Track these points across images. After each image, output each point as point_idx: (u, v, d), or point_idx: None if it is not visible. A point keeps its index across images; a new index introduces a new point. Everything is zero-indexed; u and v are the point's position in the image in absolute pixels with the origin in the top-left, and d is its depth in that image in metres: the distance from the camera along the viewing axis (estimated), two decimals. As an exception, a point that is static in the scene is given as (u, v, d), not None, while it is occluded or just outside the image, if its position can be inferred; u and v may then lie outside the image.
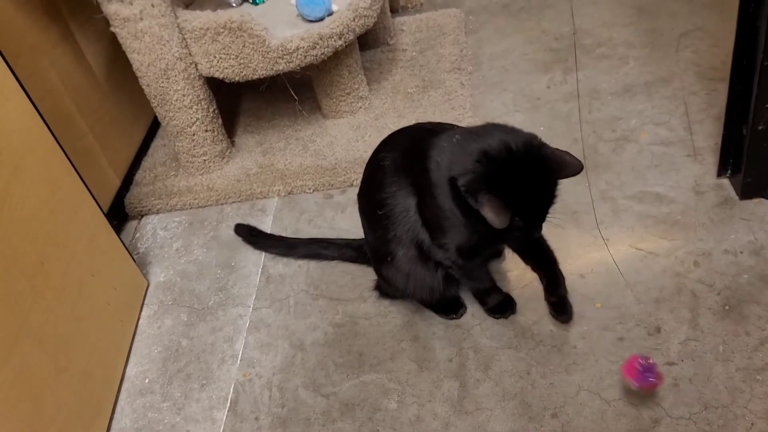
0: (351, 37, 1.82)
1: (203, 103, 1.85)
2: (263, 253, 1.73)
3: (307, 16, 1.81)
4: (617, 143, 1.80)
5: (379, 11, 1.93)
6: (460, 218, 1.17)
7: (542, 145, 1.13)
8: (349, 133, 1.99)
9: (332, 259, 1.66)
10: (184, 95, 1.80)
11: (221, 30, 1.71)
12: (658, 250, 1.49)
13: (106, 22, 1.69)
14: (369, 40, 2.33)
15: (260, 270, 1.69)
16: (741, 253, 1.44)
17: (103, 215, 1.57)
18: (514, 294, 1.47)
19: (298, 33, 1.75)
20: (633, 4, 2.36)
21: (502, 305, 1.44)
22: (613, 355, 1.31)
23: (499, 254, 1.56)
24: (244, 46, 1.73)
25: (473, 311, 1.46)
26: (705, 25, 2.15)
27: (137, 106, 2.05)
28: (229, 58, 1.76)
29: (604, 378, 1.27)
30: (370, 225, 1.39)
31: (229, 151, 2.02)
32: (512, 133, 1.16)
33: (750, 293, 1.36)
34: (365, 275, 1.59)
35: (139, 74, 1.77)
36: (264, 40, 1.71)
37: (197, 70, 1.80)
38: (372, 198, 1.34)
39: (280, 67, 1.77)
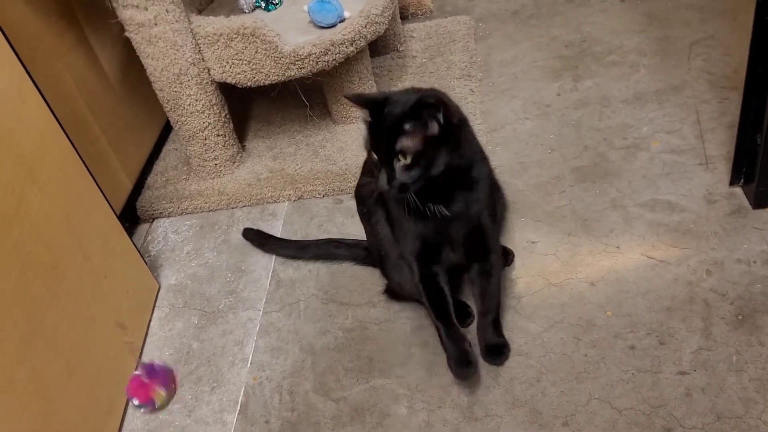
0: (362, 44, 1.83)
1: (215, 107, 1.86)
2: (273, 257, 1.74)
3: (319, 22, 1.82)
4: (628, 151, 1.80)
5: (390, 18, 1.94)
6: (399, 210, 1.24)
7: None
8: (359, 139, 1.99)
9: (344, 259, 1.67)
10: (196, 100, 1.81)
11: (234, 36, 1.72)
12: (670, 258, 1.49)
13: (121, 27, 1.71)
14: (379, 47, 2.34)
15: (270, 274, 1.70)
16: (754, 262, 1.43)
17: (116, 218, 1.58)
18: (524, 301, 1.47)
19: (310, 39, 1.76)
20: (644, 11, 2.36)
21: (458, 359, 1.31)
22: (624, 364, 1.30)
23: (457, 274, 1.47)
24: (256, 51, 1.74)
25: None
26: (717, 33, 2.15)
27: (150, 110, 2.06)
28: (242, 64, 1.77)
29: (615, 386, 1.27)
30: (363, 224, 1.48)
31: (240, 155, 2.03)
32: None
33: (764, 303, 1.35)
34: (375, 280, 1.60)
35: (152, 79, 1.79)
36: (277, 46, 1.72)
37: (210, 75, 1.81)
38: (357, 194, 1.47)
39: (292, 73, 1.78)
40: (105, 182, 1.71)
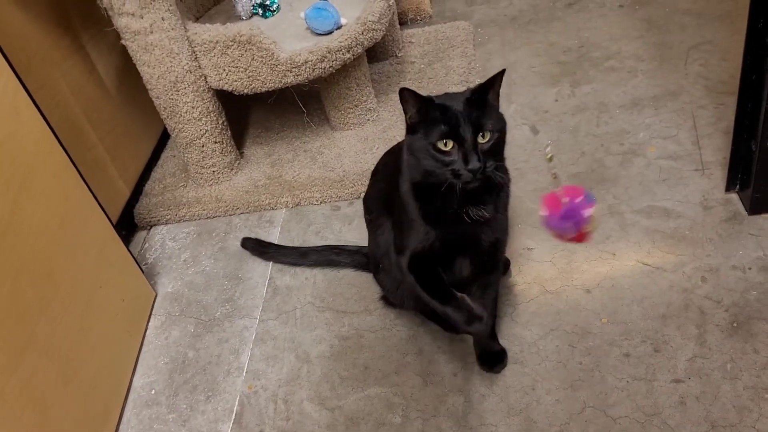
0: (359, 51, 1.83)
1: (212, 115, 1.87)
2: (270, 265, 1.74)
3: (315, 29, 1.82)
4: (625, 157, 1.79)
5: (387, 24, 1.94)
6: (417, 212, 1.19)
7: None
8: (357, 145, 2.00)
9: (345, 266, 1.67)
10: (193, 107, 1.82)
11: (230, 43, 1.72)
12: (666, 265, 1.48)
13: (117, 35, 1.72)
14: (378, 53, 2.35)
15: (267, 281, 1.70)
16: (749, 269, 1.43)
17: (111, 227, 1.58)
18: (519, 308, 1.47)
19: (306, 46, 1.76)
20: (642, 17, 2.36)
21: (490, 356, 1.35)
22: (619, 372, 1.30)
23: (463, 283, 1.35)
24: (253, 59, 1.74)
25: (479, 325, 1.45)
26: (714, 38, 2.15)
27: (147, 117, 2.07)
28: (238, 71, 1.77)
29: (610, 394, 1.26)
30: (368, 230, 1.46)
31: (237, 162, 2.03)
32: None
33: (758, 310, 1.35)
34: (371, 288, 1.60)
35: (149, 86, 1.79)
36: (273, 54, 1.73)
37: (206, 82, 1.81)
38: (365, 202, 1.46)
39: (289, 80, 1.78)
40: (102, 190, 1.72)
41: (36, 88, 1.62)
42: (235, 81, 1.80)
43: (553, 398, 1.29)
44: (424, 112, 1.11)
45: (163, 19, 1.66)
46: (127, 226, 1.96)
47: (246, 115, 2.28)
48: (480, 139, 1.08)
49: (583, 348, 1.36)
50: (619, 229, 1.59)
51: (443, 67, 2.28)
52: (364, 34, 1.82)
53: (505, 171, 1.21)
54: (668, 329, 1.35)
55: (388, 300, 1.54)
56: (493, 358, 1.37)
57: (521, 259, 1.58)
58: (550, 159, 1.23)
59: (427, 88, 2.17)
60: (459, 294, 1.20)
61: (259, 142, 2.14)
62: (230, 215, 1.94)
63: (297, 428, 1.35)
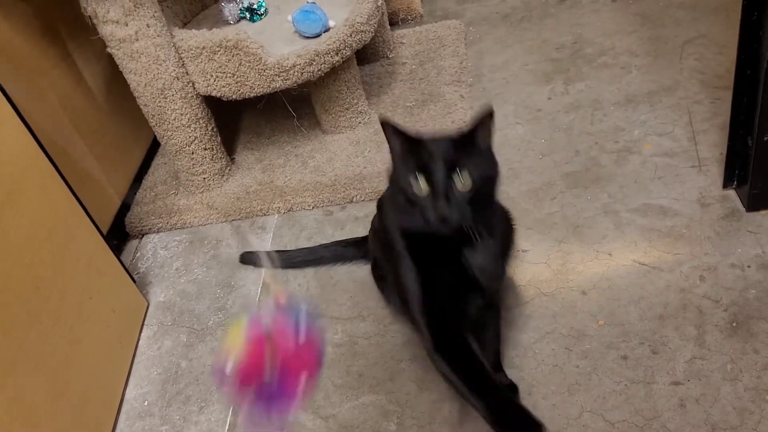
0: (348, 53, 1.81)
1: (201, 121, 1.85)
2: (263, 272, 1.72)
3: (303, 32, 1.80)
4: (620, 155, 1.77)
5: (376, 26, 1.92)
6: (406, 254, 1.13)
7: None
8: (349, 149, 1.97)
9: (355, 259, 1.64)
10: (181, 114, 1.79)
11: (217, 49, 1.70)
12: (663, 264, 1.46)
13: (104, 43, 1.70)
14: (368, 54, 2.32)
15: (260, 289, 1.68)
16: (748, 267, 1.41)
17: (101, 237, 1.56)
18: (514, 312, 1.44)
19: (294, 50, 1.74)
20: (636, 11, 2.33)
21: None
22: (616, 375, 1.28)
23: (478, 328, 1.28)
24: (240, 64, 1.72)
25: (474, 330, 1.43)
26: (709, 32, 2.13)
27: (137, 125, 2.05)
28: (226, 77, 1.75)
29: (608, 398, 1.24)
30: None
31: (228, 168, 2.01)
32: None
33: (758, 309, 1.32)
34: (365, 293, 1.57)
35: (136, 94, 1.77)
36: (260, 58, 1.71)
37: (194, 89, 1.79)
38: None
39: (277, 85, 1.76)
40: (92, 199, 1.70)
41: (23, 98, 1.60)
42: (224, 87, 1.78)
43: (550, 403, 1.26)
44: (405, 145, 1.05)
45: (148, 26, 1.64)
46: (119, 235, 1.94)
47: (236, 120, 2.26)
48: (457, 181, 0.99)
49: (579, 351, 1.34)
50: (614, 229, 1.57)
51: (435, 67, 2.25)
52: (353, 36, 1.80)
53: (506, 219, 1.17)
54: (666, 330, 1.33)
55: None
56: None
57: (516, 261, 1.56)
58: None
59: (419, 89, 2.15)
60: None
61: (249, 148, 2.12)
62: (222, 222, 1.92)
63: (291, 439, 1.33)
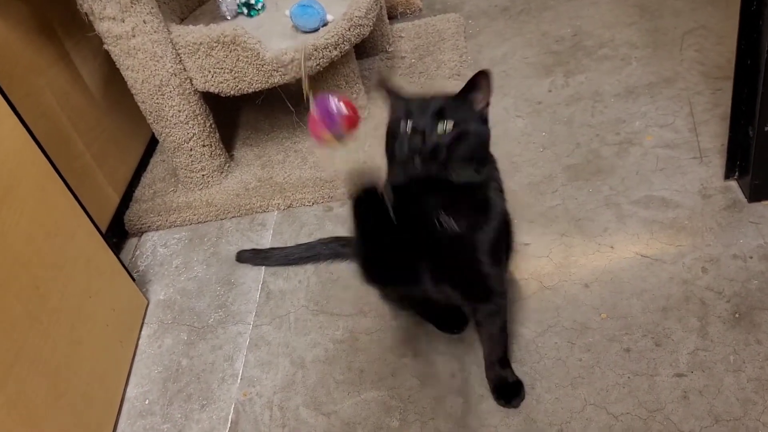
0: (347, 47, 1.80)
1: (199, 118, 1.84)
2: (263, 269, 1.71)
3: (301, 27, 1.79)
4: (621, 147, 1.76)
5: (375, 20, 1.91)
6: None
7: None
8: (349, 144, 1.96)
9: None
10: (179, 111, 1.79)
11: (214, 44, 1.69)
12: (665, 256, 1.45)
13: (101, 40, 1.68)
14: (367, 48, 2.31)
15: (260, 286, 1.67)
16: (750, 258, 1.40)
17: (100, 236, 1.55)
18: (517, 305, 1.44)
19: (292, 45, 1.73)
20: (635, 3, 2.32)
21: (505, 388, 1.27)
22: (619, 368, 1.27)
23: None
24: (238, 59, 1.71)
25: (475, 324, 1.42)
26: (709, 22, 2.11)
27: (135, 122, 2.04)
28: (224, 72, 1.74)
29: (611, 391, 1.24)
30: None
31: (227, 165, 2.00)
32: None
33: (761, 300, 1.32)
34: (365, 290, 1.56)
35: (133, 91, 1.76)
36: (258, 53, 1.70)
37: (192, 85, 1.78)
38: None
39: (276, 80, 1.75)
40: (91, 197, 1.70)
41: (20, 97, 1.60)
42: (221, 82, 1.77)
43: (553, 396, 1.26)
44: (400, 101, 1.07)
45: (144, 22, 1.63)
46: (118, 233, 1.93)
47: (234, 117, 2.25)
48: (440, 128, 1.00)
49: (582, 344, 1.33)
50: (616, 221, 1.56)
51: (434, 60, 2.24)
52: (351, 30, 1.78)
53: (500, 195, 1.12)
54: (669, 322, 1.32)
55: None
56: (508, 391, 1.27)
57: (517, 256, 1.55)
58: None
59: (419, 83, 2.14)
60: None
61: (248, 144, 2.11)
62: (221, 219, 1.91)
63: (293, 435, 1.33)
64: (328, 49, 1.75)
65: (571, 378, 1.28)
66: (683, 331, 1.30)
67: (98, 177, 1.90)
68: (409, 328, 1.47)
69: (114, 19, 1.60)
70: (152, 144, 2.22)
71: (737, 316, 1.30)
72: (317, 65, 1.76)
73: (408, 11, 2.64)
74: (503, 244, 1.20)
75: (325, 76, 1.90)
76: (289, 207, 1.88)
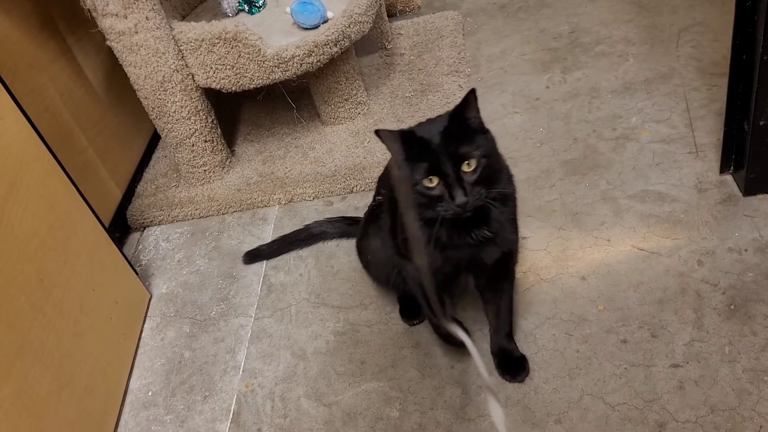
0: (347, 44, 1.82)
1: (201, 113, 1.86)
2: (264, 263, 1.73)
3: (302, 24, 1.81)
4: (618, 142, 1.78)
5: (374, 17, 1.93)
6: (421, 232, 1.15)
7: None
8: (349, 140, 1.98)
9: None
10: (181, 107, 1.80)
11: (216, 41, 1.71)
12: (661, 249, 1.47)
13: (103, 37, 1.70)
14: (366, 45, 2.33)
15: (261, 279, 1.69)
16: (746, 250, 1.42)
17: (103, 229, 1.57)
18: (515, 298, 1.45)
19: (293, 41, 1.75)
20: (632, 0, 2.34)
21: (510, 363, 1.32)
22: (616, 359, 1.29)
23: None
24: (239, 56, 1.73)
25: (474, 315, 1.44)
26: (705, 19, 2.13)
27: (137, 118, 2.06)
28: (226, 69, 1.76)
29: (608, 382, 1.26)
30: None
31: (229, 160, 2.02)
32: None
33: (756, 292, 1.34)
34: (366, 282, 1.59)
35: (136, 87, 1.78)
36: (259, 50, 1.71)
37: (194, 81, 1.80)
38: (359, 249, 1.53)
39: (277, 76, 1.77)
40: (93, 192, 1.72)
41: (24, 93, 1.62)
42: (223, 79, 1.78)
43: (551, 387, 1.28)
44: (406, 148, 1.06)
45: (147, 18, 1.64)
46: (121, 227, 1.95)
47: (236, 112, 2.27)
48: (465, 168, 1.03)
49: (579, 336, 1.35)
50: (613, 215, 1.58)
51: (433, 57, 2.26)
52: (351, 27, 1.80)
53: (509, 181, 1.17)
54: (665, 314, 1.34)
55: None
56: (513, 366, 1.31)
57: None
58: None
59: (418, 80, 2.15)
60: (451, 317, 1.23)
61: (249, 140, 2.12)
62: (223, 214, 1.93)
63: (294, 425, 1.34)
64: (328, 46, 1.77)
65: (568, 369, 1.30)
66: (679, 322, 1.32)
67: (101, 172, 1.92)
68: (409, 321, 1.48)
69: (117, 15, 1.62)
70: (154, 140, 2.24)
71: (732, 307, 1.32)
72: (317, 62, 1.78)
73: (407, 9, 2.65)
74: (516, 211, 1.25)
75: (325, 72, 1.91)
76: (290, 202, 1.89)
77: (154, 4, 1.65)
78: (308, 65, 1.77)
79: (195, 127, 1.86)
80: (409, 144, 1.06)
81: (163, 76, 1.73)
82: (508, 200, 1.17)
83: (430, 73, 2.18)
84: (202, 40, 1.72)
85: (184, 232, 1.92)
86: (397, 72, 2.23)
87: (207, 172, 1.97)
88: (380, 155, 1.87)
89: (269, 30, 1.86)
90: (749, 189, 1.51)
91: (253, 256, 1.75)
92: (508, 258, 1.24)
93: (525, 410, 1.25)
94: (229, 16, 1.99)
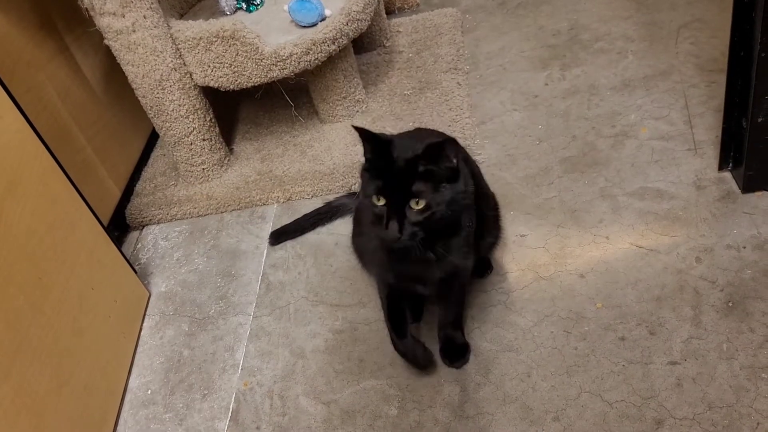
0: (345, 42, 1.82)
1: (199, 112, 1.85)
2: (263, 261, 1.73)
3: (300, 21, 1.81)
4: (616, 139, 1.78)
5: (372, 14, 1.92)
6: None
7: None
8: (347, 138, 1.98)
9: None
10: (179, 105, 1.80)
11: (214, 39, 1.71)
12: (660, 247, 1.47)
13: (101, 35, 1.70)
14: (365, 43, 2.33)
15: (260, 278, 1.69)
16: (744, 247, 1.42)
17: (102, 228, 1.57)
18: (514, 295, 1.46)
19: (291, 39, 1.75)
20: (631, -4, 2.34)
21: (451, 349, 1.39)
22: (614, 356, 1.29)
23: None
24: (237, 54, 1.73)
25: (472, 314, 1.45)
26: (704, 15, 2.13)
27: (136, 116, 2.06)
28: (223, 67, 1.76)
29: (606, 379, 1.26)
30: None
31: (227, 159, 2.02)
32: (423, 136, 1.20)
33: (754, 289, 1.34)
34: (364, 280, 1.59)
35: (134, 86, 1.78)
36: (257, 48, 1.71)
37: (192, 79, 1.80)
38: (355, 246, 1.54)
39: (274, 74, 1.76)
40: (92, 191, 1.72)
41: (22, 91, 1.62)
42: (221, 77, 1.78)
43: (549, 384, 1.28)
44: (374, 157, 1.07)
45: (145, 17, 1.64)
46: (120, 226, 1.95)
47: (234, 111, 2.27)
48: (413, 206, 1.04)
49: (578, 333, 1.35)
50: (611, 213, 1.58)
51: (432, 55, 2.26)
52: (349, 24, 1.80)
53: (470, 211, 1.19)
54: (663, 311, 1.34)
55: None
56: (454, 352, 1.36)
57: (514, 246, 1.57)
58: None
59: (416, 77, 2.15)
60: (412, 338, 1.31)
61: (248, 138, 2.12)
62: (222, 212, 1.93)
63: (293, 424, 1.35)
64: (326, 44, 1.77)
65: (566, 366, 1.30)
66: (677, 320, 1.32)
67: (100, 171, 1.92)
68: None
69: (114, 14, 1.62)
70: (153, 138, 2.24)
71: (730, 305, 1.32)
72: (315, 60, 1.78)
73: (405, 6, 2.65)
74: (471, 239, 1.25)
75: (323, 70, 1.91)
76: (288, 200, 1.89)
77: (152, 3, 1.65)
78: (306, 63, 1.77)
79: (193, 125, 1.86)
80: (378, 154, 1.07)
81: (161, 75, 1.73)
82: (462, 230, 1.18)
83: (429, 71, 2.18)
84: (200, 38, 1.71)
85: (182, 231, 1.92)
86: (395, 69, 2.22)
87: (205, 171, 1.97)
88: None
89: (267, 28, 1.86)
90: (748, 186, 1.51)
91: (279, 236, 1.76)
92: (453, 278, 1.26)
93: (523, 408, 1.25)
94: (227, 14, 1.99)
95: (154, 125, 1.89)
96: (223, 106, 2.22)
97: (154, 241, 1.91)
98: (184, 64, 1.77)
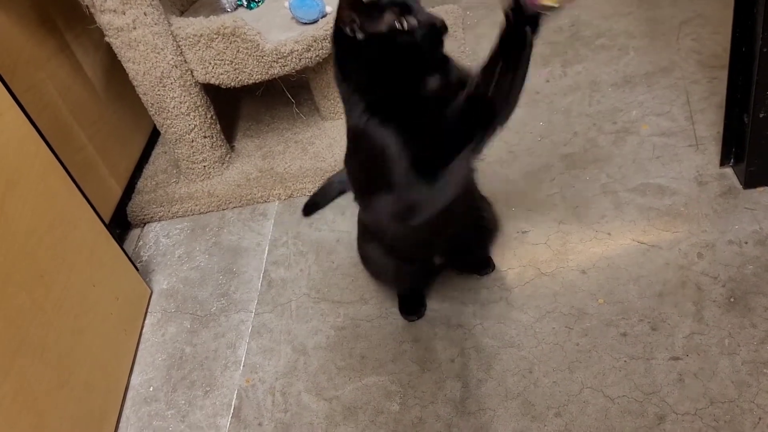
0: (345, 38, 1.81)
1: (201, 109, 1.85)
2: (265, 258, 1.73)
3: (300, 18, 1.80)
4: (618, 135, 1.78)
5: (373, 11, 1.92)
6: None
7: None
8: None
9: None
10: (181, 102, 1.80)
11: (215, 36, 1.71)
12: (661, 242, 1.47)
13: (102, 33, 1.70)
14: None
15: (262, 275, 1.69)
16: (746, 243, 1.42)
17: (103, 226, 1.57)
18: (515, 292, 1.46)
19: (292, 36, 1.75)
20: (632, -8, 2.33)
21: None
22: (616, 352, 1.29)
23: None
24: (238, 51, 1.73)
25: (474, 310, 1.45)
26: (705, 11, 2.13)
27: (137, 114, 2.06)
28: (224, 64, 1.76)
29: (608, 375, 1.26)
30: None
31: (228, 156, 2.02)
32: None
33: (756, 284, 1.34)
34: (366, 277, 1.59)
35: (135, 83, 1.78)
36: (258, 45, 1.71)
37: (193, 77, 1.80)
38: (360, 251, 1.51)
39: (275, 71, 1.76)
40: (93, 189, 1.71)
41: (22, 89, 1.62)
42: (222, 74, 1.78)
43: (551, 380, 1.28)
44: (368, 12, 1.00)
45: (145, 14, 1.64)
46: (121, 224, 1.95)
47: (235, 108, 2.27)
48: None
49: (579, 329, 1.35)
50: (613, 209, 1.58)
51: (433, 51, 2.25)
52: (350, 21, 1.79)
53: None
54: (665, 307, 1.34)
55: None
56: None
57: (516, 242, 1.57)
58: None
59: (417, 74, 2.15)
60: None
61: (249, 135, 2.12)
62: (223, 210, 1.93)
63: (295, 420, 1.35)
64: (327, 41, 1.76)
65: (568, 362, 1.30)
66: (679, 315, 1.32)
67: (101, 169, 1.92)
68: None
69: (115, 11, 1.62)
70: (154, 136, 2.24)
71: (732, 300, 1.32)
72: (317, 56, 1.78)
73: (406, 3, 2.65)
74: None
75: (324, 67, 1.91)
76: (289, 197, 1.89)
77: (152, 0, 1.65)
78: (307, 60, 1.76)
79: (194, 122, 1.86)
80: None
81: (162, 72, 1.73)
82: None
83: (430, 68, 2.17)
84: (201, 35, 1.71)
85: (184, 228, 1.92)
86: (396, 66, 2.22)
87: (207, 168, 1.97)
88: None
89: (268, 25, 1.85)
90: (749, 182, 1.51)
91: (311, 207, 1.81)
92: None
93: (525, 403, 1.25)
94: (227, 11, 1.99)
95: (155, 122, 1.89)
96: (225, 103, 2.22)
97: (156, 238, 1.91)
98: (185, 61, 1.77)
